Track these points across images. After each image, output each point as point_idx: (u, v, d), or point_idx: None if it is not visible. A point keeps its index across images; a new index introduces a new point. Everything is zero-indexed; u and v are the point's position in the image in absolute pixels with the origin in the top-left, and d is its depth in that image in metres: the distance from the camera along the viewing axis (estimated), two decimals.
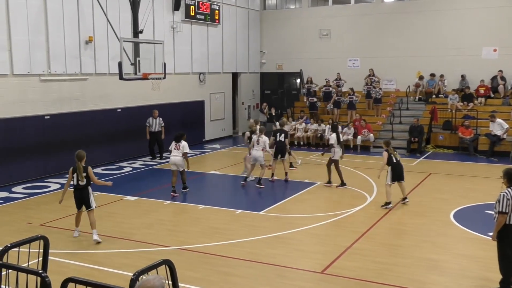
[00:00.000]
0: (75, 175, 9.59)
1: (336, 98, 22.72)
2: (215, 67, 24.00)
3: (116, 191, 13.69)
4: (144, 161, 18.23)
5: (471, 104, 21.26)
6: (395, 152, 12.14)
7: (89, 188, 9.72)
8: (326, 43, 25.59)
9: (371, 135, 20.76)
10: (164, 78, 16.85)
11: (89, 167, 9.66)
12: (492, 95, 21.87)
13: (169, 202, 12.65)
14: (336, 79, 23.99)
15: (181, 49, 21.47)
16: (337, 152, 14.04)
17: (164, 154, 17.93)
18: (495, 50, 22.22)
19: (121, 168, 17.09)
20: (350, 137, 20.90)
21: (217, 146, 22.13)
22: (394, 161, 11.96)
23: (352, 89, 22.72)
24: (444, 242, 9.72)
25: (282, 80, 27.69)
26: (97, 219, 9.75)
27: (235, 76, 25.82)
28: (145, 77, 15.88)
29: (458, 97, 21.70)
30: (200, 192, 14.38)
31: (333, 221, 10.95)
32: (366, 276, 7.98)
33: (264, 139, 14.19)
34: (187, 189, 13.71)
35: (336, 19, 25.29)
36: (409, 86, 23.23)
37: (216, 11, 23.34)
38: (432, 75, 23.14)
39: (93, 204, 9.78)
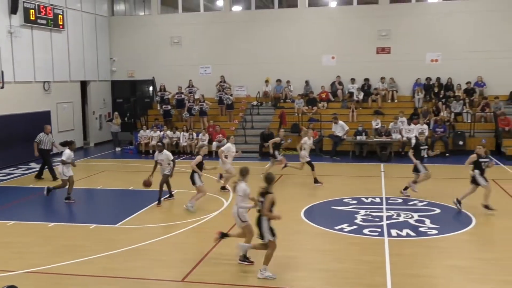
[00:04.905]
0: None
1: (188, 105, 22.91)
2: (62, 75, 22.67)
3: None
4: None
5: (315, 108, 22.86)
6: None
7: None
8: (178, 50, 25.64)
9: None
10: (2, 87, 15.54)
11: None
12: (333, 99, 23.76)
13: (13, 222, 11.62)
14: (188, 86, 24.13)
15: (21, 56, 19.91)
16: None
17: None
18: (333, 58, 24.19)
19: None
20: (205, 143, 21.13)
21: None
22: None
23: (202, 95, 23.07)
24: (298, 239, 10.30)
25: (134, 88, 27.10)
26: None
27: (84, 84, 24.64)
28: None
29: (303, 101, 23.20)
30: (49, 208, 13.46)
31: (192, 228, 10.99)
32: (227, 280, 8.15)
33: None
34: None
35: (187, 26, 25.47)
36: (258, 92, 24.25)
37: (60, 15, 22.08)
38: (279, 80, 24.41)
39: None
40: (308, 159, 15.47)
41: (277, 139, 16.31)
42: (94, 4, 25.10)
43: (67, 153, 13.35)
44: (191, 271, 8.51)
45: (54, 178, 16.19)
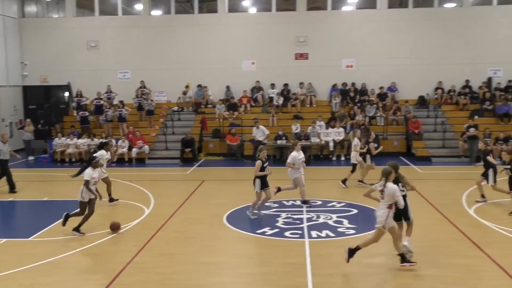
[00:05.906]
0: None
1: (105, 111, 22.33)
2: None
3: None
4: None
5: (236, 113, 23.04)
6: None
7: None
8: (95, 55, 24.88)
9: (146, 146, 20.87)
10: None
11: None
12: (253, 104, 24.06)
13: None
14: (107, 92, 23.47)
15: None
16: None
17: None
18: (253, 63, 24.52)
19: None
20: (125, 150, 20.67)
21: None
22: None
23: (121, 101, 22.55)
24: (221, 244, 10.32)
25: (48, 93, 25.95)
26: None
27: None
28: None
29: (224, 106, 23.30)
30: None
31: (111, 238, 10.68)
32: None
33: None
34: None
35: (105, 30, 24.78)
36: (179, 98, 24.07)
37: None
38: (200, 86, 24.35)
39: None
40: (355, 162, 15.32)
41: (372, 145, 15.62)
42: (2, 5, 23.80)
43: (103, 154, 13.28)
44: (112, 282, 8.27)
45: (12, 189, 15.15)
